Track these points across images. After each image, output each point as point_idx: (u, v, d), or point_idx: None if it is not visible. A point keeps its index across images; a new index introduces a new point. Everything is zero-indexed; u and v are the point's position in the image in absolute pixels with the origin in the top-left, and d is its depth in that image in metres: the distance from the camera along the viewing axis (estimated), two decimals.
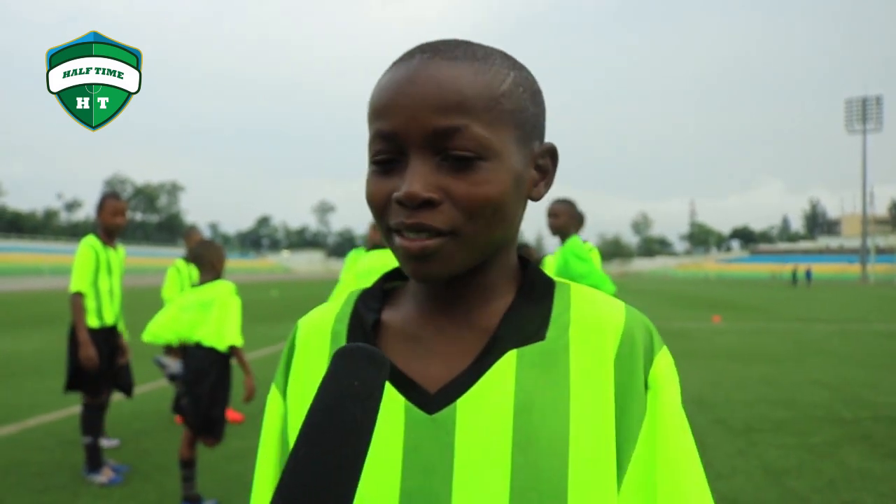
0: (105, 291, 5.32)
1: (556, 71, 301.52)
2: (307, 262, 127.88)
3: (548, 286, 0.85)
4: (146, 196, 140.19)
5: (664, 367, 0.80)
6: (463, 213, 0.74)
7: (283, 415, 0.88)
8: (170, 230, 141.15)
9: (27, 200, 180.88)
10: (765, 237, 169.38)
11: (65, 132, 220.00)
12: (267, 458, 0.89)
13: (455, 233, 0.74)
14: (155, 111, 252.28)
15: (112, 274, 5.38)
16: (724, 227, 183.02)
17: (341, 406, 0.62)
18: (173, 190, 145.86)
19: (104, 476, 5.09)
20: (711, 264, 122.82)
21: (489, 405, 0.75)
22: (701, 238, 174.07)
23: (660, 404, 0.78)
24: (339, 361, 0.65)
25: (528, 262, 0.88)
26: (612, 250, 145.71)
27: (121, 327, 5.55)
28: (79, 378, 5.23)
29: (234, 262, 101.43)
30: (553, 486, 0.72)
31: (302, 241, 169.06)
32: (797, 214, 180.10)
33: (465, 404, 0.75)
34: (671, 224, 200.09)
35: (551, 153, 0.85)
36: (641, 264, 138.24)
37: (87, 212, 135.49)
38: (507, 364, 0.77)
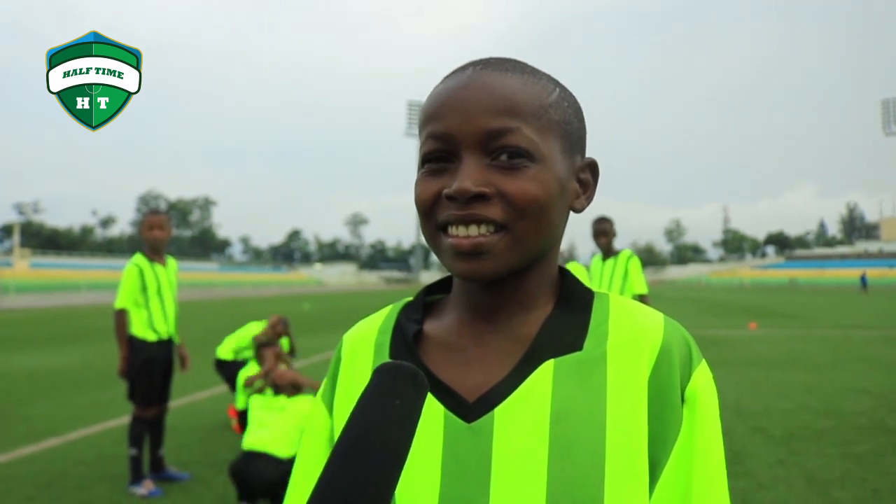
0: (156, 306, 5.45)
1: (585, 79, 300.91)
2: (339, 275, 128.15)
3: (586, 296, 0.86)
4: (179, 211, 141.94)
5: (702, 381, 0.80)
6: (513, 210, 0.77)
7: (328, 428, 0.89)
8: (202, 244, 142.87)
9: (64, 217, 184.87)
10: (801, 242, 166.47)
11: (100, 150, 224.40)
12: (304, 469, 0.89)
13: (507, 227, 0.77)
14: (187, 127, 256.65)
15: (161, 288, 5.48)
16: (758, 232, 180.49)
17: (381, 424, 0.62)
18: (205, 205, 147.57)
19: (144, 489, 5.15)
20: (746, 271, 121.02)
21: (526, 414, 0.76)
22: (735, 245, 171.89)
23: (697, 419, 0.78)
24: (381, 378, 0.65)
25: (567, 272, 0.89)
26: (646, 258, 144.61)
27: (176, 339, 5.66)
28: (132, 389, 5.38)
29: (266, 276, 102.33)
30: (589, 495, 0.73)
31: (334, 253, 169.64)
32: (833, 218, 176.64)
33: (503, 413, 0.76)
34: (704, 231, 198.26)
35: (592, 168, 0.88)
36: (675, 272, 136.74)
37: (122, 228, 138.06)
38: (545, 374, 0.78)
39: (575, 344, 0.80)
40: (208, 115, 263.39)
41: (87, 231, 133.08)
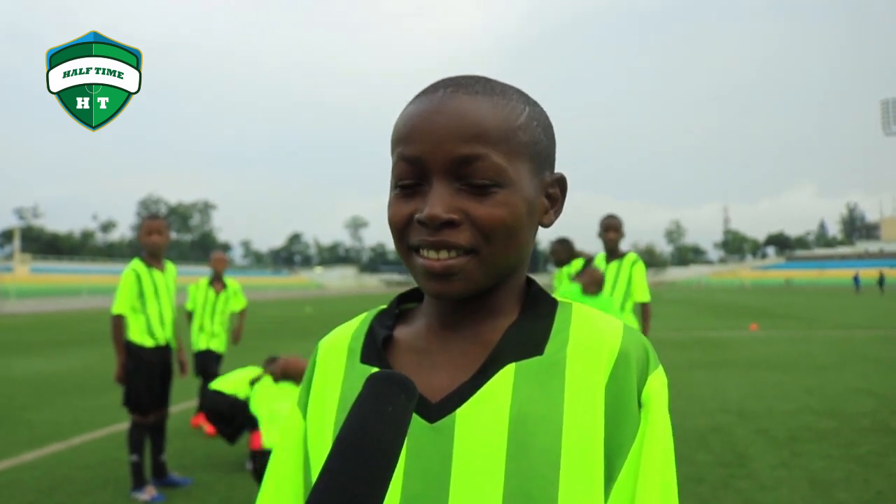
0: (154, 311, 5.42)
1: (586, 78, 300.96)
2: (340, 278, 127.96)
3: (550, 305, 0.89)
4: (179, 215, 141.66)
5: (656, 385, 0.83)
6: (481, 234, 0.80)
7: (301, 432, 0.92)
8: (203, 248, 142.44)
9: (64, 222, 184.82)
10: (801, 243, 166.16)
11: (99, 154, 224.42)
12: (277, 470, 0.92)
13: (475, 251, 0.80)
14: (187, 130, 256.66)
15: (159, 294, 5.46)
16: (758, 233, 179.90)
17: (374, 429, 0.65)
18: (205, 208, 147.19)
19: (147, 494, 5.14)
20: (747, 272, 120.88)
21: (487, 415, 0.79)
22: (735, 245, 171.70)
23: (650, 422, 0.81)
24: (375, 385, 0.68)
25: (533, 282, 0.93)
26: (646, 259, 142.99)
27: (174, 345, 5.64)
28: (130, 395, 5.35)
29: (267, 280, 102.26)
30: (544, 493, 0.76)
31: (334, 256, 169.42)
32: (834, 219, 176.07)
33: (464, 414, 0.80)
34: (705, 232, 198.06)
35: (560, 183, 0.92)
36: (676, 273, 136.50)
37: (122, 232, 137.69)
38: (506, 377, 0.81)
39: (536, 349, 0.83)
40: (208, 118, 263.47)
41: (87, 235, 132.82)
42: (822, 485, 5.26)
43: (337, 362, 0.92)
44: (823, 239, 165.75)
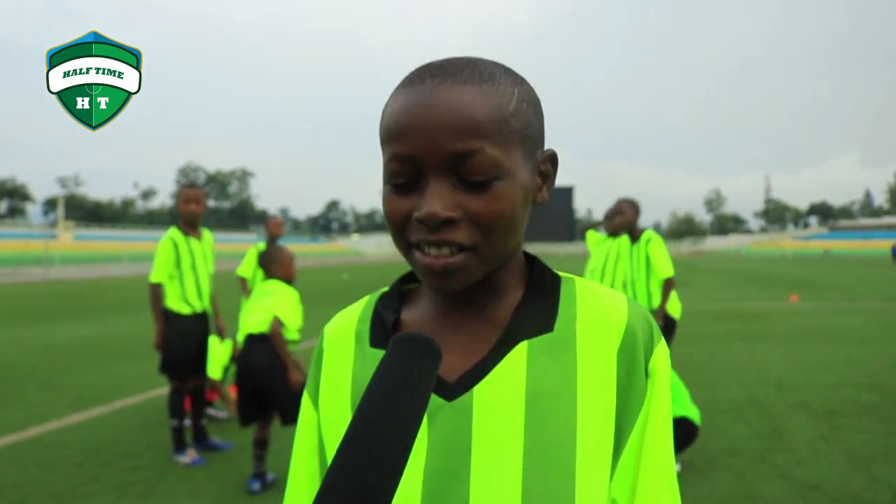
0: (190, 279, 5.51)
1: (622, 46, 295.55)
2: (376, 245, 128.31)
3: (554, 281, 0.91)
4: (218, 183, 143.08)
5: (662, 357, 0.87)
6: (480, 230, 0.80)
7: (315, 424, 0.93)
8: (241, 216, 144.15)
9: (105, 190, 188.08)
10: (845, 212, 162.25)
11: (139, 123, 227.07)
12: (299, 465, 0.94)
13: (474, 248, 0.80)
14: (225, 100, 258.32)
15: (196, 262, 5.54)
16: (801, 202, 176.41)
17: (399, 391, 0.66)
18: (243, 176, 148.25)
19: (188, 457, 5.27)
20: (788, 242, 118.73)
21: (503, 392, 0.82)
22: (777, 215, 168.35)
23: (656, 392, 0.85)
24: (400, 348, 0.69)
25: (534, 258, 0.94)
26: (685, 228, 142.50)
27: (211, 312, 5.73)
28: (167, 362, 5.46)
29: (304, 247, 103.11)
30: (562, 465, 0.79)
31: (371, 224, 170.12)
32: (880, 188, 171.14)
33: (482, 391, 0.82)
34: (745, 201, 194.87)
35: (552, 159, 0.91)
36: (715, 242, 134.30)
37: (162, 200, 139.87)
38: (519, 354, 0.84)
39: (546, 326, 0.86)
40: (246, 87, 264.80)
41: (128, 203, 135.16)
42: (861, 459, 5.19)
43: (345, 347, 0.93)
44: (869, 208, 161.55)
